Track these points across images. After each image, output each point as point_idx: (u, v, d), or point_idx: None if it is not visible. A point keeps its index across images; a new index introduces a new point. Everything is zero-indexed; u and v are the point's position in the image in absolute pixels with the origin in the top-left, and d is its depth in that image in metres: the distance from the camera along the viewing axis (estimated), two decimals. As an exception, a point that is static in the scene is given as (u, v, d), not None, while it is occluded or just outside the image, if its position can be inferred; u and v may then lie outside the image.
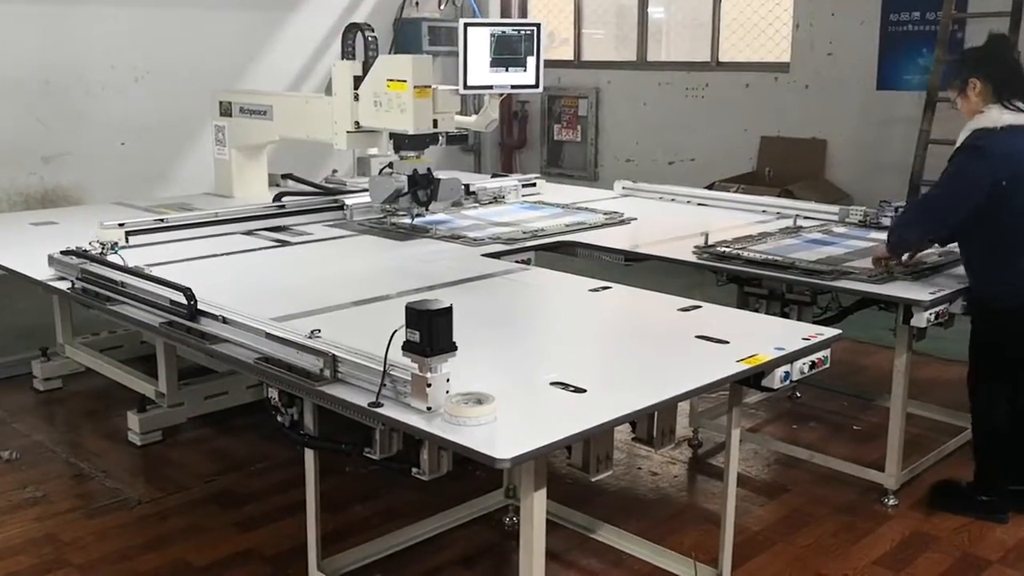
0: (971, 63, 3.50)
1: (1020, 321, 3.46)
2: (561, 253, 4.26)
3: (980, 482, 3.63)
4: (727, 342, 2.73)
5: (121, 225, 3.90)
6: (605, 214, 4.63)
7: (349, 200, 4.55)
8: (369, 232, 4.36)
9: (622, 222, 4.57)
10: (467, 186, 4.99)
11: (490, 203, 5.02)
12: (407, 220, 4.39)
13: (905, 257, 3.63)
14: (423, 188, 4.28)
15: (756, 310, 3.89)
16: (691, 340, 2.79)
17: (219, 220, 4.24)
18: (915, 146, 6.79)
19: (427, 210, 4.38)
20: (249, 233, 4.24)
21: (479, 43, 4.32)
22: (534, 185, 5.46)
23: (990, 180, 3.34)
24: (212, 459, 4.20)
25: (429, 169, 4.29)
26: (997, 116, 3.38)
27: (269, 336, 2.60)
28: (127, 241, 3.86)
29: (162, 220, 4.11)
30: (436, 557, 3.37)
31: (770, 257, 3.77)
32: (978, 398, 3.66)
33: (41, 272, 3.54)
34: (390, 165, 4.39)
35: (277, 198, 4.66)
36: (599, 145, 9.28)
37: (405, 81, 4.10)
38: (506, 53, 4.37)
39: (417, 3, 8.69)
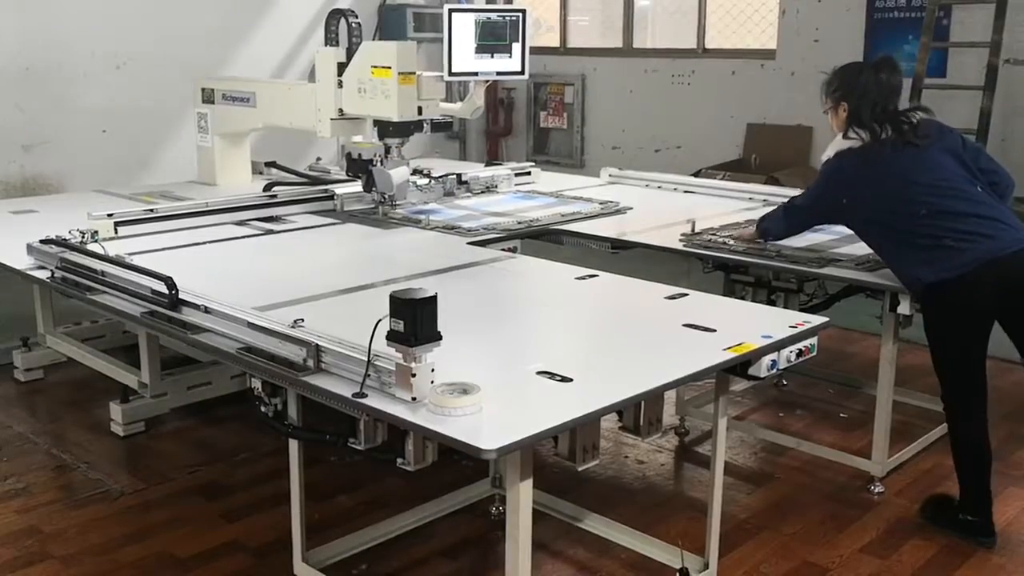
0: (845, 87, 3.61)
1: (963, 292, 3.28)
2: (547, 241, 4.25)
3: (964, 503, 3.49)
4: (714, 330, 2.72)
5: (110, 215, 3.85)
6: (601, 203, 4.59)
7: (339, 189, 4.50)
8: (354, 220, 4.32)
9: (618, 211, 4.53)
10: (459, 175, 4.94)
11: (482, 192, 4.96)
12: (400, 211, 4.34)
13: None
14: (363, 172, 4.25)
15: (743, 298, 3.89)
16: (678, 328, 2.77)
17: (209, 210, 4.17)
18: (901, 133, 6.78)
19: (384, 198, 4.33)
20: (240, 223, 4.18)
21: (464, 29, 4.29)
22: (528, 174, 5.43)
23: (834, 202, 3.51)
24: (196, 450, 4.17)
25: (375, 156, 4.23)
26: (843, 142, 3.52)
27: (252, 326, 2.57)
28: (116, 232, 3.81)
29: (152, 210, 4.05)
30: (422, 547, 3.35)
31: (756, 245, 3.75)
32: (954, 418, 3.48)
33: (21, 261, 3.49)
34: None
35: (267, 188, 4.62)
36: (585, 132, 9.26)
37: (389, 68, 4.06)
38: (491, 39, 4.34)
39: (401, -11, 8.63)
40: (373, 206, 4.42)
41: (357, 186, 4.48)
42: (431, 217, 4.27)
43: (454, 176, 4.90)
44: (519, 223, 4.17)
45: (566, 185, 5.27)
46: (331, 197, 4.50)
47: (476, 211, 4.49)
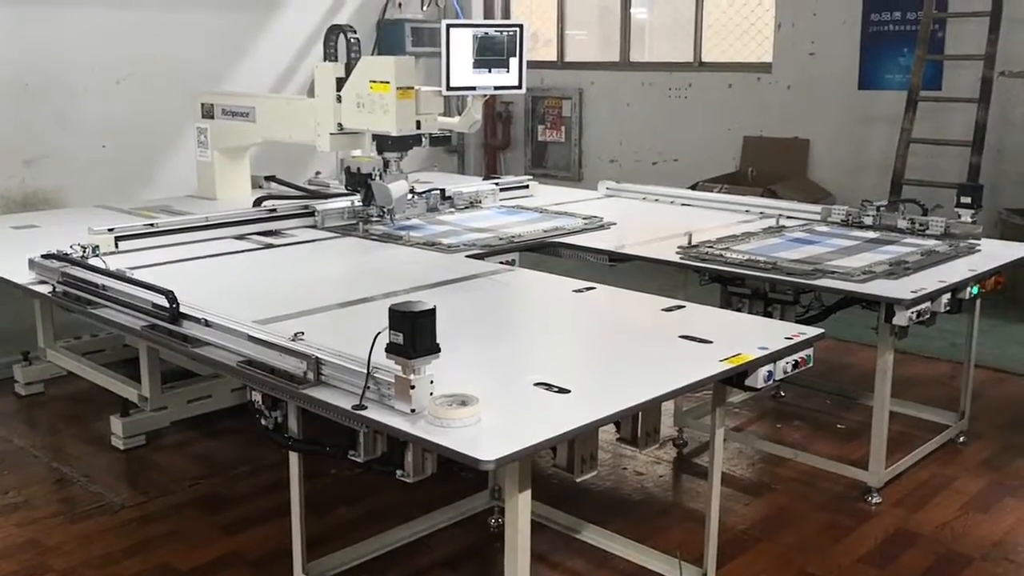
0: None
1: None
2: (545, 254, 4.26)
3: None
4: (710, 342, 2.74)
5: (111, 230, 3.87)
6: (584, 219, 4.56)
7: (320, 205, 4.48)
8: (353, 234, 4.34)
9: (601, 227, 4.50)
10: (443, 190, 4.90)
11: (467, 208, 4.91)
12: (381, 227, 4.35)
13: None
14: (362, 186, 4.27)
15: (739, 309, 3.91)
16: (675, 340, 2.79)
17: (209, 225, 4.17)
18: (897, 145, 6.84)
19: (384, 211, 4.36)
20: (240, 238, 4.20)
21: (462, 44, 4.32)
22: (526, 187, 5.44)
23: None
24: (196, 463, 4.18)
25: (373, 170, 4.26)
26: None
27: (252, 339, 2.59)
28: (117, 246, 3.83)
29: (152, 225, 4.05)
30: (421, 559, 3.36)
31: (752, 257, 3.78)
32: None
33: (22, 276, 3.51)
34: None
35: (258, 202, 4.63)
36: (583, 146, 9.30)
37: (388, 82, 4.09)
38: (489, 54, 4.37)
39: (400, 4, 8.69)
40: (354, 222, 4.42)
41: (338, 202, 4.50)
42: (412, 233, 4.22)
43: (437, 191, 4.85)
44: (500, 239, 4.13)
45: (564, 198, 5.29)
46: (312, 213, 4.45)
47: (458, 227, 4.43)
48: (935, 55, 6.99)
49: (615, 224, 4.56)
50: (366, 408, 2.25)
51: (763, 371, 2.63)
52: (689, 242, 3.96)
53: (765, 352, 2.65)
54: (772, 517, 3.72)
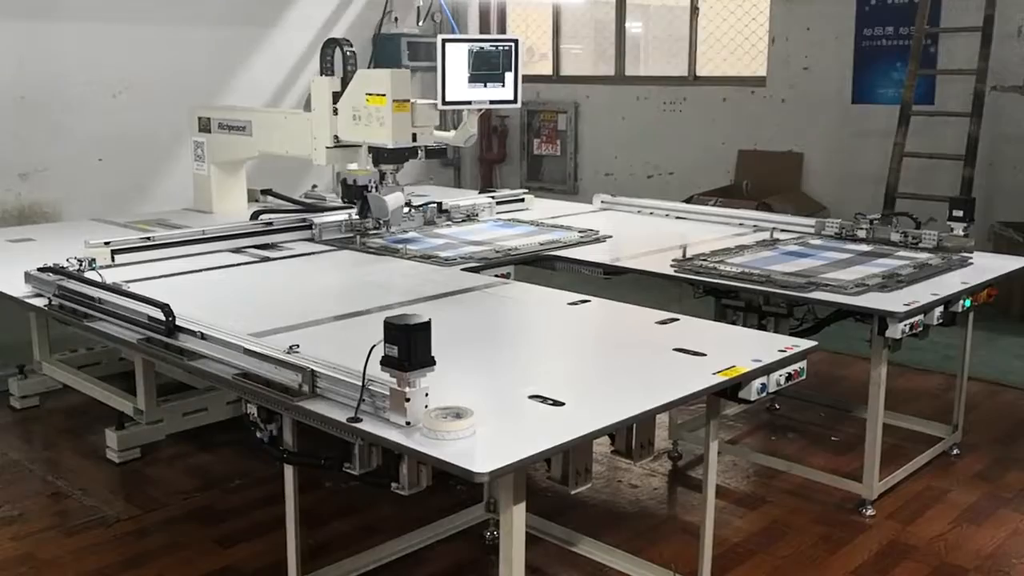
0: None
1: None
2: (541, 267, 4.28)
3: None
4: (704, 354, 2.75)
5: (107, 243, 3.87)
6: (580, 232, 4.58)
7: (317, 219, 4.50)
8: (350, 247, 4.36)
9: (597, 240, 4.52)
10: (439, 204, 4.92)
11: (464, 221, 4.92)
12: (378, 240, 4.36)
13: None
14: (358, 198, 4.28)
15: (733, 322, 3.93)
16: (669, 353, 2.81)
17: (205, 238, 4.18)
18: (890, 159, 6.87)
19: (380, 223, 4.38)
20: (237, 251, 4.20)
21: (457, 59, 4.34)
22: (522, 200, 5.46)
23: None
24: (191, 476, 4.18)
25: (370, 183, 4.28)
26: None
27: (247, 352, 2.60)
28: (113, 260, 3.84)
29: (148, 238, 4.06)
30: (416, 572, 3.36)
31: (746, 270, 3.80)
32: None
33: (18, 289, 3.52)
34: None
35: (255, 216, 4.64)
36: (578, 159, 9.33)
37: (384, 95, 4.11)
38: (484, 69, 4.39)
39: (396, 19, 8.71)
40: (351, 235, 4.44)
41: (335, 215, 4.52)
42: (409, 246, 4.24)
43: (434, 204, 4.87)
44: (496, 252, 4.14)
45: (559, 211, 5.31)
46: (310, 226, 4.46)
47: (455, 240, 4.44)
48: (927, 70, 7.03)
49: (610, 237, 4.58)
50: (361, 421, 2.26)
51: (757, 383, 2.65)
52: (684, 255, 3.98)
53: (759, 365, 2.66)
54: (767, 530, 3.73)
